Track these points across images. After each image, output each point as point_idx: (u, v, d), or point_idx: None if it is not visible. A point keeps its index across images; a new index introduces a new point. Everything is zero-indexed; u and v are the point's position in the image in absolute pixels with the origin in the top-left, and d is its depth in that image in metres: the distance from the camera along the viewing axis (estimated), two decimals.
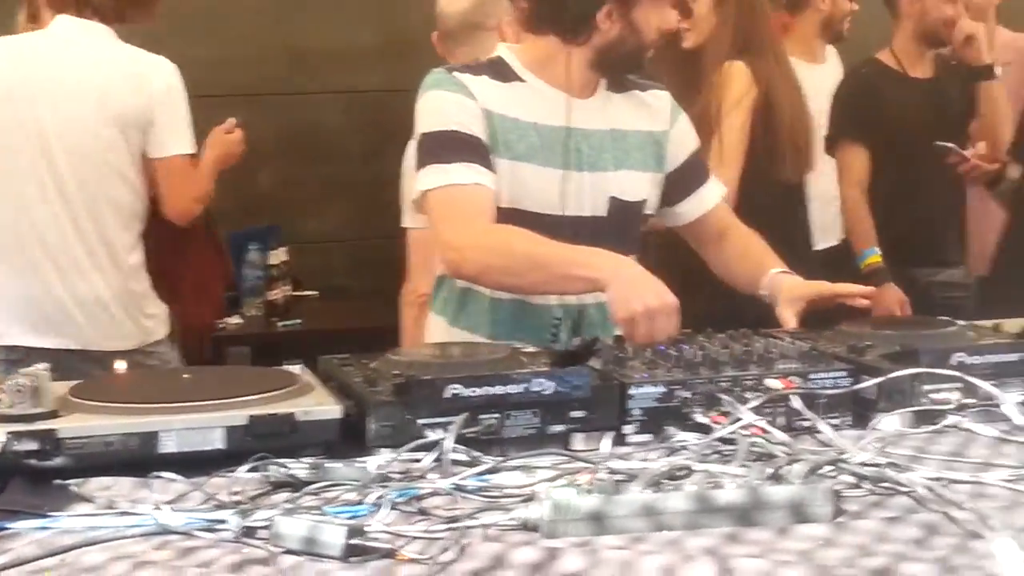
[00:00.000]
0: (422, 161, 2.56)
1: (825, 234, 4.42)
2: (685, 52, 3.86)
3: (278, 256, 4.93)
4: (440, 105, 2.57)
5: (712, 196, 2.85)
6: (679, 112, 2.80)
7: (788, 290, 2.62)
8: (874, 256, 4.27)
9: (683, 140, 2.79)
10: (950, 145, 4.07)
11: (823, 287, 2.64)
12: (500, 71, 2.64)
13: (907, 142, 4.25)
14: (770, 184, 3.75)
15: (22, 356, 3.34)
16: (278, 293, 4.92)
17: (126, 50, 3.50)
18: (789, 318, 2.56)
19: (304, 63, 5.31)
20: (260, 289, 4.93)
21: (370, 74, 5.36)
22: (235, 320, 4.91)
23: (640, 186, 2.69)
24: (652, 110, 2.76)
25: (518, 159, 2.57)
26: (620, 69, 2.68)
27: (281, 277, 4.93)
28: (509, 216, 2.54)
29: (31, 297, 3.45)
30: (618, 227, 2.65)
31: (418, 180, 2.55)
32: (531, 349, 2.33)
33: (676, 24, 2.67)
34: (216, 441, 1.86)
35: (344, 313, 5.09)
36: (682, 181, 2.80)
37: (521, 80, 2.63)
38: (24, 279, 3.45)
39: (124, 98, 3.45)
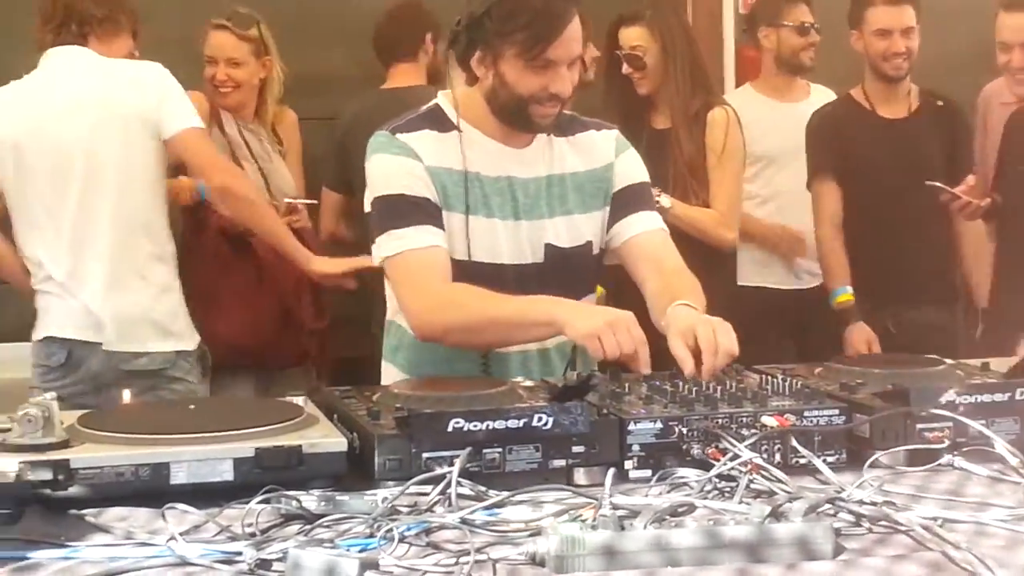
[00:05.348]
0: (378, 227, 2.59)
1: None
2: (641, 99, 4.05)
3: None
4: (386, 169, 2.59)
5: (643, 224, 2.71)
6: (626, 146, 2.76)
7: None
8: (845, 295, 4.26)
9: (627, 171, 2.73)
10: (938, 184, 4.06)
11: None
12: (438, 121, 2.63)
13: (875, 180, 4.25)
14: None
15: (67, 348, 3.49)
16: None
17: (118, 63, 3.60)
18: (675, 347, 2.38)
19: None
20: None
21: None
22: None
23: (580, 230, 2.67)
24: (596, 148, 2.71)
25: (466, 212, 2.58)
26: (509, 121, 2.60)
27: None
28: (466, 268, 2.56)
29: (77, 309, 3.51)
30: (559, 272, 2.63)
31: (376, 246, 2.59)
32: (530, 383, 2.37)
33: (570, 90, 2.54)
34: (225, 473, 1.89)
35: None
36: (617, 206, 2.71)
37: (458, 130, 2.61)
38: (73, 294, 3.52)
39: (132, 103, 3.51)
